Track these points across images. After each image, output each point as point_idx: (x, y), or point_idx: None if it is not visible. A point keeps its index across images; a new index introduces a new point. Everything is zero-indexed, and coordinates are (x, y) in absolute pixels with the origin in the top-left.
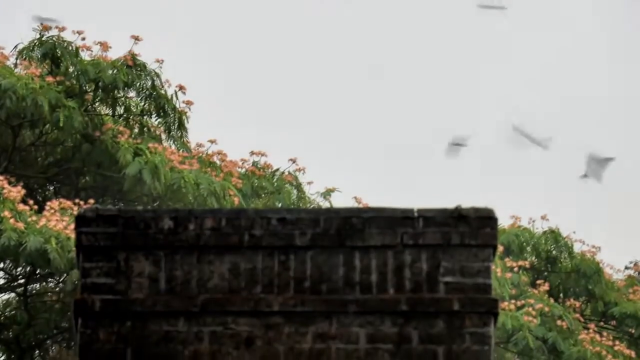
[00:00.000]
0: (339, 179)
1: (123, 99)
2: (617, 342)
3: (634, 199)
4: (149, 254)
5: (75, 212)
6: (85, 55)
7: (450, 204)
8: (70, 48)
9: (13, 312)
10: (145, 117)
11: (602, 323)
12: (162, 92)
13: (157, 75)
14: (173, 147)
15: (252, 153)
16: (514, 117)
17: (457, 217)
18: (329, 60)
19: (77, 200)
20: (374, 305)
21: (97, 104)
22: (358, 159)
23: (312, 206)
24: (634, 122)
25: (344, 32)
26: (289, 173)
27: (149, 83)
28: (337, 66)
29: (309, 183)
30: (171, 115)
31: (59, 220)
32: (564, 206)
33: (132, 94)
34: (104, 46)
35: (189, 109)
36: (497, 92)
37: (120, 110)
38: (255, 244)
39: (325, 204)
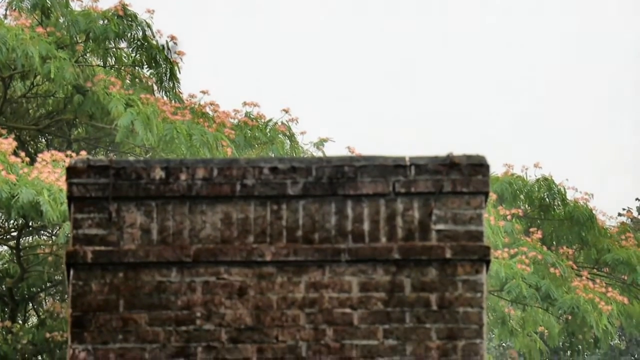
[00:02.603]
0: (332, 128)
1: (114, 49)
2: (610, 289)
3: None
4: (140, 205)
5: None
6: (75, 6)
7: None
8: None
9: (6, 265)
10: (136, 68)
11: (595, 270)
12: (154, 42)
13: (149, 26)
14: (165, 98)
15: (244, 104)
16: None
17: (449, 165)
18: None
19: (69, 152)
20: (367, 254)
21: (88, 55)
22: (351, 107)
23: (305, 156)
24: None
25: None
26: (282, 123)
27: (140, 34)
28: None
29: (302, 133)
30: (163, 66)
31: (51, 172)
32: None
33: (123, 44)
34: None
35: (181, 60)
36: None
37: (111, 61)
38: (248, 194)
39: (318, 154)
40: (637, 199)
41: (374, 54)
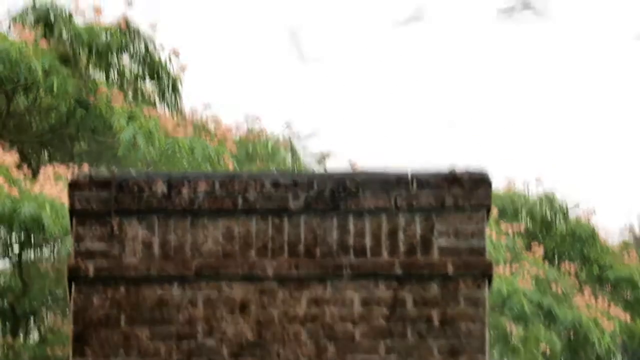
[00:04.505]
0: (334, 143)
1: (117, 63)
2: (612, 306)
3: None
4: (142, 219)
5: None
6: (78, 20)
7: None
8: (63, 13)
9: (7, 280)
10: (139, 81)
11: (597, 287)
12: (156, 56)
13: (151, 40)
14: (167, 112)
15: (247, 117)
16: None
17: (451, 180)
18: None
19: (71, 166)
20: (368, 269)
21: (90, 69)
22: (353, 122)
23: (306, 171)
24: None
25: None
26: (284, 138)
27: (143, 48)
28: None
29: (304, 148)
30: (165, 80)
31: (53, 186)
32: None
33: (125, 58)
34: (98, 11)
35: (183, 73)
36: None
37: (114, 75)
38: (249, 208)
39: (320, 169)
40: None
41: (375, 68)
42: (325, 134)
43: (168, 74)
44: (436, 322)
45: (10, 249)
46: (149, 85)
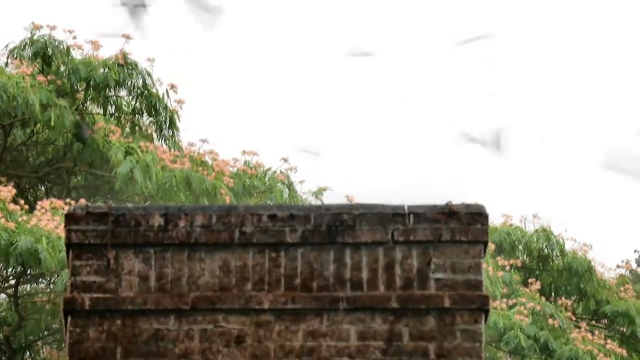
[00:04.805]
0: (331, 177)
1: (114, 97)
2: (609, 341)
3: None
4: (139, 252)
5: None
6: (76, 54)
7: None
8: (61, 47)
9: (3, 313)
10: (136, 116)
11: (593, 321)
12: (154, 90)
13: (149, 74)
14: (164, 146)
15: (244, 152)
16: None
17: (448, 214)
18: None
19: (68, 200)
20: (365, 302)
21: (88, 103)
22: (351, 156)
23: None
24: None
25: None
26: (281, 172)
27: (140, 82)
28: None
29: (301, 182)
30: (162, 114)
31: (50, 219)
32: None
33: (123, 92)
34: (95, 45)
35: (181, 108)
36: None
37: (111, 109)
38: (246, 241)
39: (317, 203)
40: (635, 251)
41: (372, 103)
42: (323, 164)
43: (165, 108)
44: (433, 356)
45: (6, 281)
46: (146, 119)
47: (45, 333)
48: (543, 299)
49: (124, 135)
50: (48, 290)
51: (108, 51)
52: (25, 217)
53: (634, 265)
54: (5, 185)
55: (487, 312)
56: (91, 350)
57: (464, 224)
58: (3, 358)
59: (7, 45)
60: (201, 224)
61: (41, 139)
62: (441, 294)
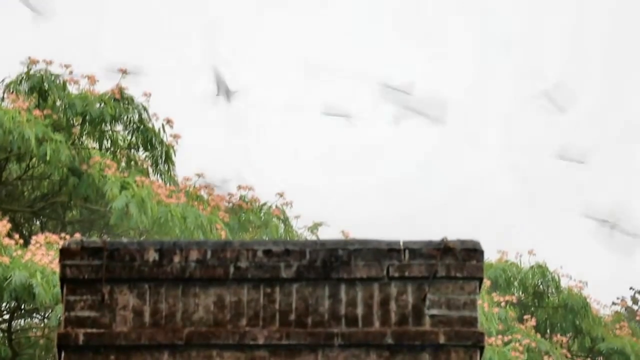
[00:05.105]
0: (328, 212)
1: (110, 132)
2: None
3: None
4: (133, 287)
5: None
6: (72, 89)
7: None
8: (57, 81)
9: None
10: (132, 150)
11: (589, 359)
12: (150, 125)
13: (145, 109)
14: (160, 180)
15: (239, 187)
16: None
17: (443, 250)
18: None
19: (63, 235)
20: (360, 339)
21: (84, 137)
22: (345, 189)
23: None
24: None
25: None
26: (276, 207)
27: (136, 116)
28: None
29: (297, 217)
30: (158, 149)
31: (44, 254)
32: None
33: (119, 127)
34: (92, 80)
35: (177, 142)
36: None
37: (107, 143)
38: (241, 276)
39: (312, 238)
40: (631, 288)
41: (360, 134)
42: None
43: (161, 142)
44: None
45: (0, 316)
46: (142, 154)
47: None
48: (538, 335)
49: (120, 169)
50: (42, 325)
51: (104, 86)
52: (19, 252)
53: (629, 303)
54: (0, 220)
55: (482, 348)
56: None
57: (459, 260)
58: None
59: (3, 80)
60: (196, 259)
61: (37, 174)
62: (436, 331)
